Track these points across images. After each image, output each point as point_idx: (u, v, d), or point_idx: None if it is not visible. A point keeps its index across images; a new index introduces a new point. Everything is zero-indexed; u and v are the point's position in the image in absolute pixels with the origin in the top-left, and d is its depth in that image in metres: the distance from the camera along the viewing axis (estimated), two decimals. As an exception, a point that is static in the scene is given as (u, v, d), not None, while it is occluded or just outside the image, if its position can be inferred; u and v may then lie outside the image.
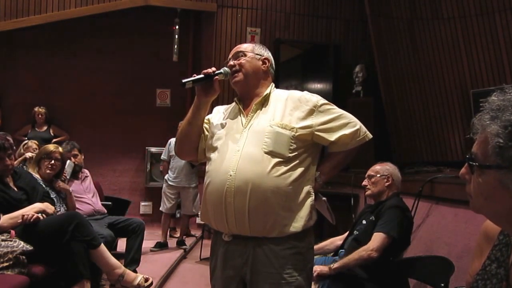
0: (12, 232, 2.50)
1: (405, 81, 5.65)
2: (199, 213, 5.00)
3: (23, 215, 2.54)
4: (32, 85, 6.08)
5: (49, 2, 5.69)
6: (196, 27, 6.41)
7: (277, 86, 1.85)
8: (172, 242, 5.15)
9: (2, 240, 2.42)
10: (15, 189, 2.75)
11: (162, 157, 5.35)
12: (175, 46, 6.12)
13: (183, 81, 1.69)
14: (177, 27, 6.13)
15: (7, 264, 2.31)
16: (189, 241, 5.31)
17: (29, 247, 2.43)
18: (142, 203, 6.36)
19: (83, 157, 4.02)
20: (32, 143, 4.12)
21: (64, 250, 2.57)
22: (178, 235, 5.37)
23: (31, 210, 2.62)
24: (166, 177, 5.20)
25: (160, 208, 5.23)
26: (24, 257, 2.38)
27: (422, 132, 5.68)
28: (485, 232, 1.06)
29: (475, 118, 0.86)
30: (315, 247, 2.83)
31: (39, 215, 2.61)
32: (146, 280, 2.91)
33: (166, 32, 6.18)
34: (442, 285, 2.10)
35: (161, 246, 4.98)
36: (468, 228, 2.67)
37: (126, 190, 6.29)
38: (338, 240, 2.92)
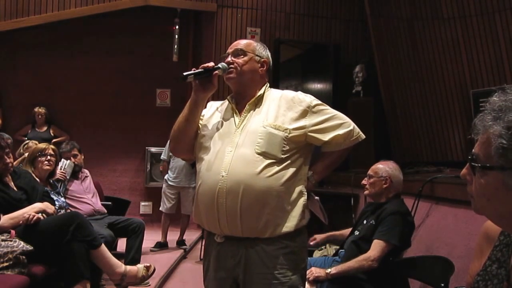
0: (12, 232, 2.49)
1: (405, 81, 5.65)
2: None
3: (25, 216, 2.54)
4: (32, 85, 6.07)
5: (49, 2, 5.69)
6: (196, 27, 6.40)
7: (277, 86, 1.84)
8: (172, 242, 5.14)
9: (2, 240, 2.41)
10: (15, 189, 2.75)
11: (162, 157, 5.34)
12: (175, 46, 6.11)
13: (184, 74, 1.65)
14: (177, 27, 6.13)
15: (7, 264, 2.31)
16: (189, 241, 5.31)
17: (29, 247, 2.43)
18: (142, 203, 6.35)
19: (83, 157, 4.02)
20: (33, 144, 4.11)
21: (64, 250, 2.56)
22: None
23: (31, 210, 2.61)
24: (166, 177, 5.20)
25: (160, 208, 5.23)
26: (24, 257, 2.38)
27: (422, 132, 5.68)
28: (486, 233, 1.06)
29: (477, 119, 0.86)
30: (330, 234, 2.89)
31: (40, 215, 2.61)
32: (148, 268, 2.84)
33: (166, 32, 6.17)
34: (442, 285, 2.10)
35: (161, 246, 4.98)
36: (468, 228, 2.67)
37: (126, 190, 6.28)
38: (346, 233, 2.90)
